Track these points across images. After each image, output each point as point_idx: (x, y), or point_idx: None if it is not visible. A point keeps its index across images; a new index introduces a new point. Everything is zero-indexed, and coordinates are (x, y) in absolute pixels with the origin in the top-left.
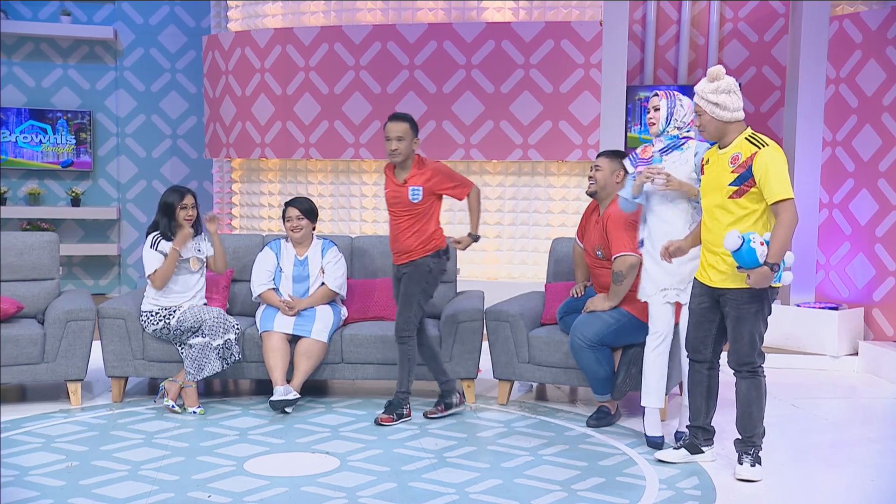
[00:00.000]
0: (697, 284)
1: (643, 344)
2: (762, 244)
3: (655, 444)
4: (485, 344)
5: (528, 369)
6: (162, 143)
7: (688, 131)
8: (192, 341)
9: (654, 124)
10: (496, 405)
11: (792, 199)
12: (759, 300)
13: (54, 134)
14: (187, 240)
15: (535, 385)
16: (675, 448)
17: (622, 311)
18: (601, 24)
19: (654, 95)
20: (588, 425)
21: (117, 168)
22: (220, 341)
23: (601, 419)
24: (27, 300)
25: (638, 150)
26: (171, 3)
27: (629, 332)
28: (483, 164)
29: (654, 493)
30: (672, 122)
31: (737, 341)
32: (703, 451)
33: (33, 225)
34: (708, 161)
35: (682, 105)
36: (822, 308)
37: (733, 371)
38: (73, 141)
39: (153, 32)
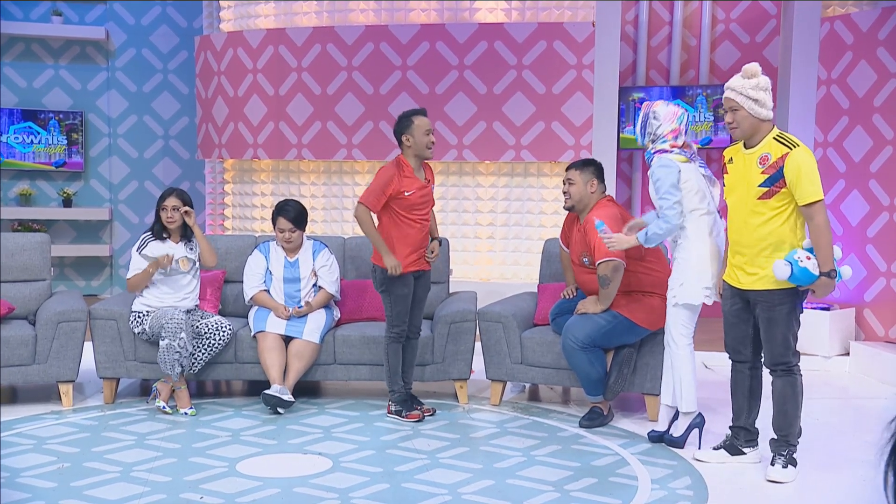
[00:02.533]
0: (727, 287)
1: (635, 345)
2: (808, 258)
3: (656, 439)
4: (477, 345)
5: (520, 370)
6: (154, 143)
7: (663, 142)
8: (160, 343)
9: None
10: (489, 406)
11: (822, 200)
12: (790, 300)
13: (46, 134)
14: (166, 264)
15: (527, 386)
16: (714, 448)
17: (614, 313)
18: (593, 25)
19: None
20: (581, 426)
21: (109, 169)
22: (176, 342)
23: (594, 420)
24: (18, 301)
25: None
26: (162, 3)
27: (621, 334)
28: (476, 165)
29: (646, 494)
30: (647, 135)
31: (770, 342)
32: (744, 453)
33: (24, 226)
34: (731, 160)
35: (655, 117)
36: (814, 308)
37: (769, 370)
38: (65, 141)
39: (145, 33)
